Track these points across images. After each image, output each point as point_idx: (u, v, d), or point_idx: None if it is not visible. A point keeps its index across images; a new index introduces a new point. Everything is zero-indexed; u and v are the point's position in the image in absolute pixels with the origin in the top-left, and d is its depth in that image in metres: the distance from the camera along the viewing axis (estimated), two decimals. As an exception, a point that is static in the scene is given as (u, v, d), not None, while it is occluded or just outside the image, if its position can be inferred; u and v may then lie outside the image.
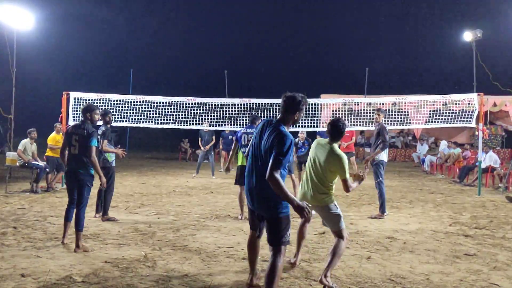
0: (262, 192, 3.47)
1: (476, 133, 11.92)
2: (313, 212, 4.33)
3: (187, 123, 12.10)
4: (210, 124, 12.14)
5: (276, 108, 12.15)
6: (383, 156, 7.32)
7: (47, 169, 9.96)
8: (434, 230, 6.40)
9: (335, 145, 4.28)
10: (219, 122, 12.02)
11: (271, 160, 3.31)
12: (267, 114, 12.10)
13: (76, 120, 10.78)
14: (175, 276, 4.24)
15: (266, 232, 3.60)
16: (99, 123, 6.28)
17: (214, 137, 13.65)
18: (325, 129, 4.39)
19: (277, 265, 3.43)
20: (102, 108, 8.45)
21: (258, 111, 12.08)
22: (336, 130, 4.28)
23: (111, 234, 5.88)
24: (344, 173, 4.14)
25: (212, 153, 13.65)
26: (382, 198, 7.27)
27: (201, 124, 12.31)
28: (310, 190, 4.27)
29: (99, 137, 6.44)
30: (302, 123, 12.33)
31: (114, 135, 7.23)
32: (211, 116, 12.11)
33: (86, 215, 5.96)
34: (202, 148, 13.47)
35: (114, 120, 8.50)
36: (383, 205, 7.27)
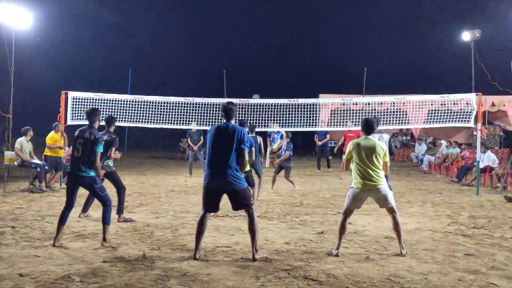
0: (231, 172, 4.73)
1: (475, 133, 11.93)
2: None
3: (185, 123, 12.09)
4: (198, 124, 12.06)
5: (274, 108, 12.15)
6: None
7: (46, 167, 9.92)
8: (433, 229, 6.41)
9: (371, 137, 5.21)
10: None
11: (246, 147, 4.80)
12: (266, 114, 12.11)
13: (74, 119, 10.77)
14: (174, 276, 4.24)
15: (234, 204, 4.80)
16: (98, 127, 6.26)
17: (202, 137, 13.13)
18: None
19: (255, 219, 4.80)
20: (108, 114, 8.47)
21: (256, 111, 12.09)
22: (368, 125, 5.23)
23: (110, 234, 5.82)
24: (386, 156, 5.18)
25: (201, 152, 13.13)
26: None
27: (202, 124, 12.27)
28: (371, 176, 5.04)
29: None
30: (301, 122, 12.32)
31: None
32: (209, 116, 12.10)
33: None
34: (194, 147, 13.24)
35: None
36: None
